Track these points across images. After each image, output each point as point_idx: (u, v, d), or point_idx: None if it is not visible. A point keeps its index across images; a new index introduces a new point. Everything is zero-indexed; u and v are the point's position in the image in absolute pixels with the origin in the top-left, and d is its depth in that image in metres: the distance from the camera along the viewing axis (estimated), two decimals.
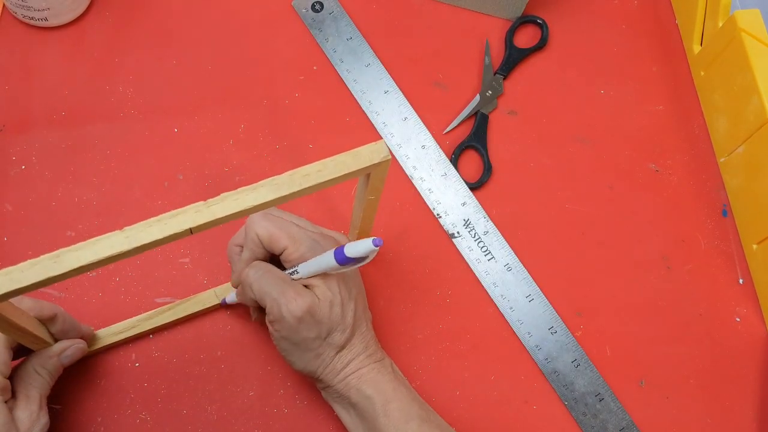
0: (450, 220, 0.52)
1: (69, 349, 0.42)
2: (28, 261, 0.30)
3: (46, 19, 0.54)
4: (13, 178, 0.50)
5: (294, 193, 0.33)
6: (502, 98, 0.57)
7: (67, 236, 0.49)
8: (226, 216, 0.33)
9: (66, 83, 0.54)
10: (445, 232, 0.52)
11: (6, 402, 0.38)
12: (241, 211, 0.33)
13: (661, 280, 0.52)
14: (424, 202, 0.53)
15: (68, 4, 0.54)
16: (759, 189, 0.51)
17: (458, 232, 0.51)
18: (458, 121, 0.55)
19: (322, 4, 0.58)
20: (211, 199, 0.33)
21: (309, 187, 0.34)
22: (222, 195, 0.33)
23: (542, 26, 0.59)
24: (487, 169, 0.53)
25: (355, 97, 0.55)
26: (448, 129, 0.55)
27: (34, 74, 0.54)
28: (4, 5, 0.55)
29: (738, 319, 0.51)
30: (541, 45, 0.58)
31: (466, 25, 0.59)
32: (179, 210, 0.32)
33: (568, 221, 0.53)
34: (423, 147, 0.54)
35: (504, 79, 0.57)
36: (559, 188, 0.54)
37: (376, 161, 0.34)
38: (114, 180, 0.51)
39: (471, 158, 0.55)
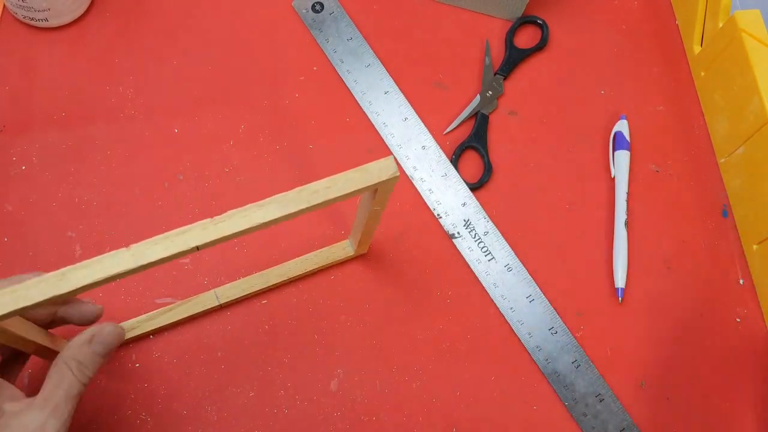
0: (450, 221, 0.52)
1: (99, 335, 0.37)
2: (34, 278, 0.30)
3: (46, 20, 0.54)
4: (13, 179, 0.50)
5: (302, 210, 0.34)
6: (502, 98, 0.57)
7: (67, 237, 0.49)
8: (233, 233, 0.33)
9: (66, 84, 0.54)
10: (446, 233, 0.52)
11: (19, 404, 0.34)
12: (248, 228, 0.33)
13: (661, 280, 0.52)
14: (425, 203, 0.53)
15: (69, 4, 0.54)
16: (759, 189, 0.51)
17: (458, 233, 0.51)
18: (458, 122, 0.55)
19: (322, 5, 0.58)
20: (218, 217, 0.33)
21: (317, 204, 0.34)
22: (229, 212, 0.33)
23: (542, 27, 0.59)
24: (488, 169, 0.53)
25: (356, 97, 0.55)
26: (449, 129, 0.55)
27: (34, 75, 0.54)
28: (4, 6, 0.55)
29: (738, 320, 0.51)
30: (542, 45, 0.58)
31: (466, 25, 0.59)
32: (186, 228, 0.32)
33: (569, 221, 0.53)
34: (423, 148, 0.54)
35: (504, 79, 0.57)
36: (559, 188, 0.54)
37: (384, 178, 0.35)
38: (114, 180, 0.51)
39: (471, 159, 0.55)
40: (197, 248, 0.32)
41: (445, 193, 0.52)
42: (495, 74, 0.57)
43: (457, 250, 0.51)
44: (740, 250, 0.53)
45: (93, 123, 0.53)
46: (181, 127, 0.53)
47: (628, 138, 0.55)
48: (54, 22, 0.55)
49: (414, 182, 0.53)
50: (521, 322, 0.49)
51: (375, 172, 0.35)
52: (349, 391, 0.47)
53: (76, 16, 0.56)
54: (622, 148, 0.54)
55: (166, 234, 0.32)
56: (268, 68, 0.56)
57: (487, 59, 0.58)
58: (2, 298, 0.30)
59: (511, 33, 0.58)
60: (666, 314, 0.51)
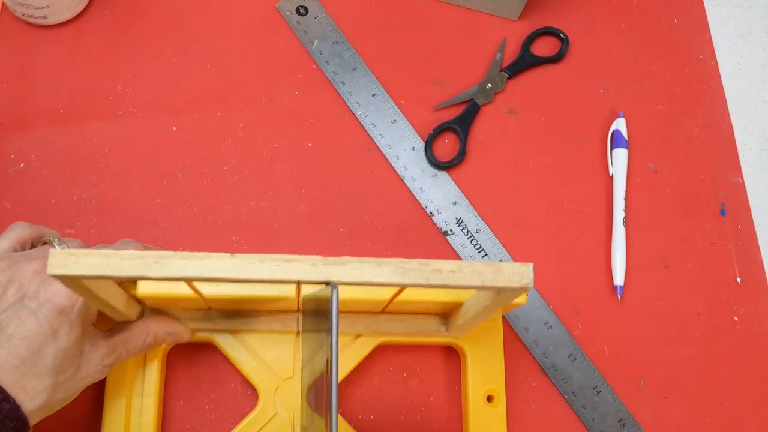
0: (443, 218, 0.52)
1: (178, 335, 0.43)
2: (131, 252, 0.29)
3: (45, 17, 0.54)
4: (12, 176, 0.50)
5: (418, 284, 0.31)
6: (502, 97, 0.57)
7: (66, 234, 0.49)
8: (340, 281, 0.31)
9: (65, 81, 0.54)
10: (439, 230, 0.52)
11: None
12: (356, 282, 0.31)
13: (659, 279, 0.52)
14: (417, 201, 0.53)
15: (67, 2, 0.54)
16: None
17: (451, 230, 0.52)
18: (449, 103, 0.56)
19: (306, 8, 0.58)
20: (331, 258, 0.31)
21: (436, 284, 0.31)
22: (345, 258, 0.31)
23: (563, 40, 0.59)
24: (461, 152, 0.54)
25: (344, 98, 0.55)
26: (437, 107, 0.55)
27: (33, 72, 0.54)
28: (3, 3, 0.56)
29: (736, 319, 0.51)
30: (557, 58, 0.58)
31: (471, 24, 0.59)
32: (294, 257, 0.30)
33: (567, 220, 0.53)
34: (413, 149, 0.54)
35: (509, 78, 0.57)
36: (557, 187, 0.54)
37: (514, 285, 0.32)
38: (113, 178, 0.51)
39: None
40: (299, 282, 0.31)
41: (436, 192, 0.53)
42: (501, 71, 0.57)
43: (452, 248, 0.51)
44: (738, 249, 0.53)
45: (91, 120, 0.53)
46: (179, 125, 0.53)
47: (625, 136, 0.55)
48: (53, 20, 0.55)
49: (405, 181, 0.53)
50: (516, 317, 0.49)
51: (507, 274, 0.32)
52: None
53: (75, 14, 0.56)
54: (620, 147, 0.54)
55: (273, 256, 0.30)
56: (267, 66, 0.56)
57: (498, 55, 0.58)
58: (94, 258, 0.29)
59: (530, 38, 0.58)
60: (664, 313, 0.51)
